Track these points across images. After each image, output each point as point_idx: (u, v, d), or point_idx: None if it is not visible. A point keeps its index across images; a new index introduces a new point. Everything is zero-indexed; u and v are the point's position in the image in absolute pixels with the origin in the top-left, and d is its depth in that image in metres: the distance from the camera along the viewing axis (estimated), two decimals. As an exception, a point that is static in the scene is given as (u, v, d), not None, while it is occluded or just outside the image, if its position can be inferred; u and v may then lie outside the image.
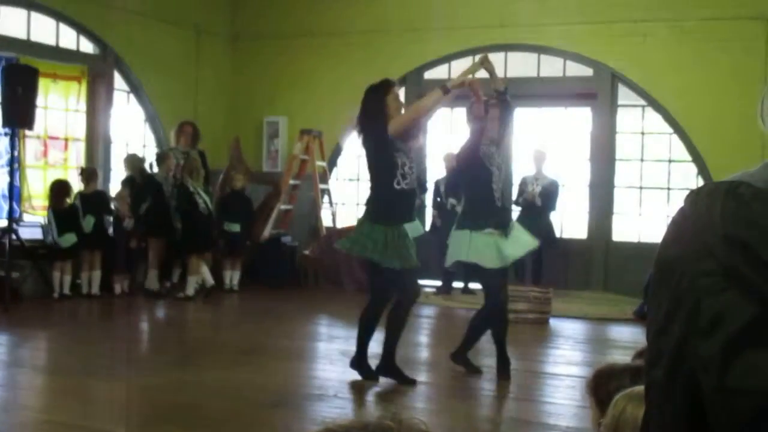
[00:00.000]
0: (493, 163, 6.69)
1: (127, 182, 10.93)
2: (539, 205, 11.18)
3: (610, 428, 2.04)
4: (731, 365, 0.98)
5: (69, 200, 10.23)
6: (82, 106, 11.22)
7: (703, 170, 11.20)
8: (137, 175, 10.91)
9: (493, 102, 6.81)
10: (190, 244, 10.63)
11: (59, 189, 10.22)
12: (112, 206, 10.66)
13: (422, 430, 1.31)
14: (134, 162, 11.11)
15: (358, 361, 6.39)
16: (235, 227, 11.22)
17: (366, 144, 6.55)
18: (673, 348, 1.07)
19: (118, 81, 11.90)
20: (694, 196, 1.10)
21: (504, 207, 7.00)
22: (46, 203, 10.54)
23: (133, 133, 12.41)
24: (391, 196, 6.36)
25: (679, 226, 1.09)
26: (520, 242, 6.78)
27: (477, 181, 6.62)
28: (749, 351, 0.97)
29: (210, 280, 10.66)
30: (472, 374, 6.69)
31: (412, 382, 6.36)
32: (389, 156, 6.33)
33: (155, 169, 11.13)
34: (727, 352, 0.99)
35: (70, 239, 10.06)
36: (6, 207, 9.77)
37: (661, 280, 1.11)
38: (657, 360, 1.11)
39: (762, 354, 0.97)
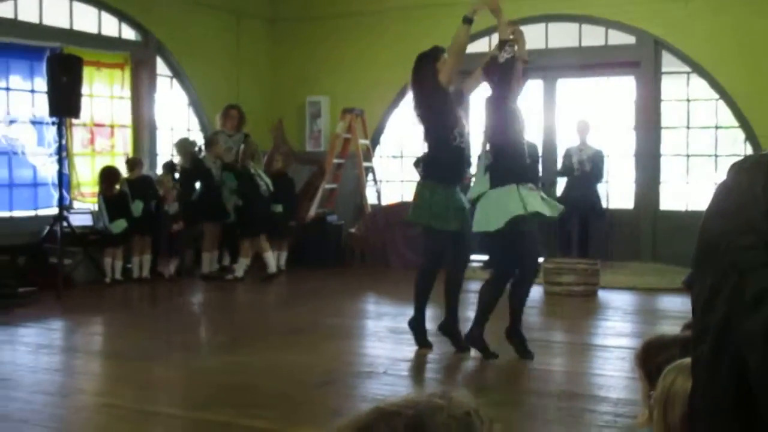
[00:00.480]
0: (519, 119, 6.46)
1: (168, 166, 11.05)
2: (588, 170, 11.07)
3: (661, 401, 2.02)
4: (776, 342, 0.98)
5: (118, 187, 10.38)
6: (126, 93, 11.34)
7: (750, 136, 11.01)
8: (188, 160, 11.01)
9: (510, 49, 6.52)
10: (249, 227, 10.70)
11: (108, 175, 10.37)
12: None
13: (471, 406, 1.32)
14: (185, 146, 11.21)
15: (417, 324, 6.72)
16: (278, 208, 11.27)
17: (421, 107, 6.64)
18: (719, 324, 1.06)
19: (161, 67, 12.00)
20: (736, 169, 1.09)
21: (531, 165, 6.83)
22: (95, 190, 10.69)
23: (177, 118, 12.51)
24: (450, 154, 6.46)
25: (721, 200, 1.09)
26: (548, 203, 6.45)
27: (507, 134, 6.33)
28: (794, 327, 0.97)
29: (272, 267, 10.72)
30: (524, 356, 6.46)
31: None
32: (446, 112, 6.43)
33: (203, 153, 11.22)
34: (772, 329, 0.98)
35: (120, 225, 10.24)
36: (56, 195, 9.92)
37: (705, 256, 1.10)
38: (703, 336, 1.10)
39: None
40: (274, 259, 10.80)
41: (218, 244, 11.08)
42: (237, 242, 10.90)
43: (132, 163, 10.67)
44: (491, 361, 6.35)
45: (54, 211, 9.87)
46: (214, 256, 11.00)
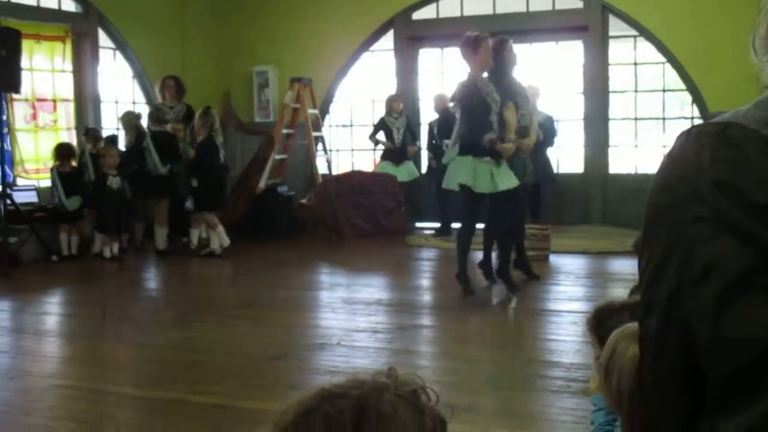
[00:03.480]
0: (491, 98, 7.30)
1: (110, 140, 10.86)
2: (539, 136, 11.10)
3: (604, 364, 2.05)
4: (726, 314, 0.95)
5: (74, 162, 10.19)
6: (68, 66, 11.10)
7: (697, 99, 11.12)
8: (133, 133, 10.82)
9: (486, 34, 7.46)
10: (211, 201, 10.39)
11: (64, 151, 10.19)
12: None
13: (418, 384, 1.30)
14: (130, 119, 11.02)
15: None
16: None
17: None
18: (667, 297, 1.04)
19: (103, 39, 11.75)
20: (683, 139, 1.06)
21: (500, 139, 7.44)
22: (38, 166, 10.48)
23: (121, 91, 12.29)
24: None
25: (668, 171, 1.06)
26: (508, 177, 7.45)
27: (476, 112, 7.27)
28: (745, 299, 0.94)
29: (226, 240, 10.43)
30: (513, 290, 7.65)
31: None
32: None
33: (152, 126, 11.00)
34: (722, 301, 0.96)
35: (76, 201, 10.07)
36: (-1, 172, 9.70)
37: (652, 228, 1.08)
38: (650, 309, 1.08)
39: (758, 302, 0.94)
40: (224, 233, 10.54)
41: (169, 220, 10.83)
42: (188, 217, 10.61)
43: (94, 136, 10.49)
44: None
45: (-3, 188, 9.65)
46: (165, 232, 10.75)
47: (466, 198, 7.45)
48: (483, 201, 7.51)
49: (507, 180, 7.43)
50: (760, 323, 0.93)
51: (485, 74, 7.48)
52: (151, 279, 9.80)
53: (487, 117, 7.27)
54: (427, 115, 12.55)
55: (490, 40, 7.46)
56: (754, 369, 0.94)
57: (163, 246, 10.49)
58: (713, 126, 1.02)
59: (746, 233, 0.95)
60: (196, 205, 10.38)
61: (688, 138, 1.04)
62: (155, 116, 10.72)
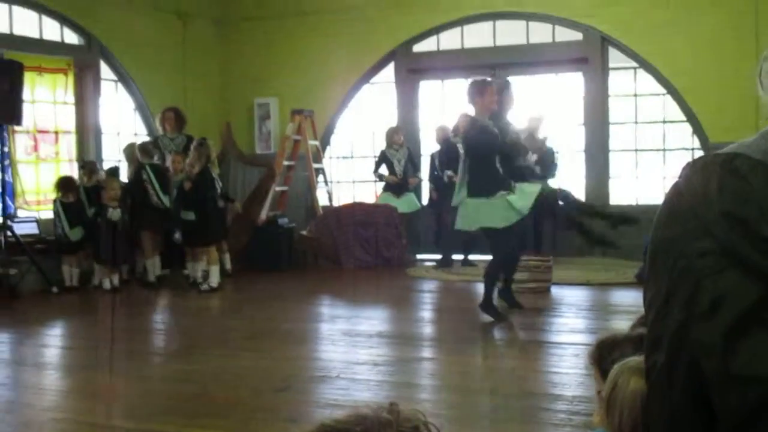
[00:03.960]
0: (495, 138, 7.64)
1: (111, 172, 10.85)
2: (538, 173, 11.11)
3: (606, 398, 2.03)
4: (735, 350, 0.94)
5: (73, 195, 10.20)
6: (70, 98, 11.13)
7: (697, 129, 11.14)
8: (135, 165, 10.82)
9: (491, 78, 8.03)
10: (210, 234, 10.29)
11: (66, 184, 10.20)
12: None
13: (420, 420, 1.29)
14: (133, 151, 11.02)
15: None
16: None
17: None
18: (674, 332, 1.02)
19: (105, 71, 11.81)
20: (688, 170, 1.05)
21: (504, 175, 7.78)
22: (39, 198, 10.48)
23: (123, 123, 12.32)
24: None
25: (673, 203, 1.04)
26: (527, 193, 7.75)
27: (483, 158, 7.62)
28: (753, 335, 0.93)
29: (216, 280, 10.27)
30: (501, 321, 7.65)
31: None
32: None
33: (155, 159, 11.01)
34: (730, 337, 0.94)
35: (78, 233, 10.07)
36: (0, 204, 9.70)
37: (658, 261, 1.06)
38: (657, 344, 1.06)
39: (766, 338, 0.92)
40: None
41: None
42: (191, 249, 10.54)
43: (90, 169, 10.50)
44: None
45: (-2, 220, 9.65)
46: (157, 262, 10.67)
47: (494, 235, 7.71)
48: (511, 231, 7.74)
49: (525, 201, 7.72)
50: None
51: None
52: (152, 311, 9.76)
53: (491, 160, 7.63)
54: (429, 146, 12.56)
55: (494, 85, 7.89)
56: (763, 410, 0.92)
57: (153, 277, 10.44)
58: (720, 157, 1.01)
59: (753, 267, 0.94)
60: (189, 239, 10.23)
61: (694, 169, 1.03)
62: (143, 149, 10.69)
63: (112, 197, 10.11)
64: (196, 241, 10.23)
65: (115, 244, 10.08)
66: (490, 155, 7.61)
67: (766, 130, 1.03)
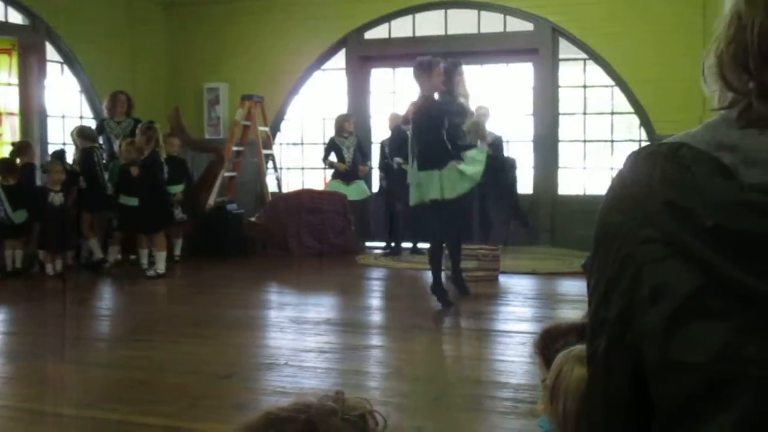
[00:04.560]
0: (443, 115, 7.76)
1: (57, 155, 10.68)
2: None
3: (550, 386, 2.05)
4: (675, 337, 0.94)
5: (13, 177, 10.01)
6: (14, 79, 10.91)
7: (645, 122, 11.28)
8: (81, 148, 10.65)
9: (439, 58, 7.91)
10: (156, 221, 10.14)
11: (7, 166, 9.99)
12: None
13: (365, 408, 1.28)
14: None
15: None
16: (178, 189, 10.89)
17: None
18: (615, 318, 1.03)
19: (51, 52, 11.59)
20: (633, 159, 1.05)
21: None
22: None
23: (69, 106, 12.12)
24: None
25: (618, 192, 1.05)
26: (477, 160, 7.89)
27: (431, 130, 7.66)
28: (693, 323, 0.93)
29: (162, 267, 10.21)
30: (448, 308, 7.79)
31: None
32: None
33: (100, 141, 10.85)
34: (670, 324, 0.95)
35: (22, 215, 9.90)
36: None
37: (602, 248, 1.06)
38: (599, 330, 1.07)
39: (707, 326, 0.93)
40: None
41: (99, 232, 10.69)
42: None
43: (19, 149, 10.27)
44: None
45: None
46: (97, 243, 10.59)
47: (436, 211, 7.77)
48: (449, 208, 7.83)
49: (476, 167, 7.86)
50: (706, 348, 0.93)
51: (436, 95, 7.85)
52: (97, 297, 9.63)
53: (440, 133, 7.65)
54: (379, 134, 12.56)
55: (442, 64, 7.84)
56: (701, 393, 0.93)
57: (96, 259, 10.41)
58: (664, 146, 1.02)
59: (694, 256, 0.94)
60: (132, 225, 10.14)
61: (638, 158, 1.04)
62: (82, 132, 10.52)
63: (55, 181, 9.94)
64: (140, 227, 10.13)
65: (58, 228, 9.94)
66: (437, 127, 7.68)
67: (709, 120, 1.03)
